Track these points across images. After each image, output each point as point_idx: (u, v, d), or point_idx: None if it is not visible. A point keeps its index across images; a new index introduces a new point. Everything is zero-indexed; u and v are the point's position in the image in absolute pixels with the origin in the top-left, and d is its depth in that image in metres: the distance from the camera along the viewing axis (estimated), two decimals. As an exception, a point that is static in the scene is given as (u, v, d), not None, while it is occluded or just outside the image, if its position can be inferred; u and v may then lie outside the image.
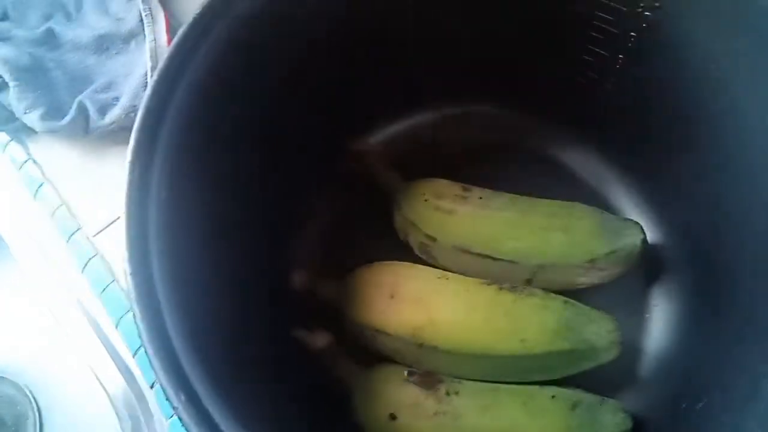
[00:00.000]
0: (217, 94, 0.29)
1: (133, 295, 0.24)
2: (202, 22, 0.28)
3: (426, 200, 0.40)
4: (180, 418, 0.22)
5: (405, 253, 0.42)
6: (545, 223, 0.39)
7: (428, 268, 0.40)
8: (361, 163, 0.42)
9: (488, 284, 0.38)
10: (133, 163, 0.25)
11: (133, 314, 0.23)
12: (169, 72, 0.26)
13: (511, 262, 0.38)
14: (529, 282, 0.39)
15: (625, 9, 0.33)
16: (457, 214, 0.39)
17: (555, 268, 0.38)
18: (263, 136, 0.34)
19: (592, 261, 0.38)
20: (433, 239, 0.39)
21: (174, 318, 0.24)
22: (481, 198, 0.40)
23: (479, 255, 0.39)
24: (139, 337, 0.23)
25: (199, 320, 0.25)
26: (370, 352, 0.39)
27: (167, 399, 0.22)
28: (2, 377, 0.55)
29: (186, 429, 0.22)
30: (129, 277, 0.24)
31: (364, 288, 0.38)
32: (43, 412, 0.54)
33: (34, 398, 0.55)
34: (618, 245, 0.38)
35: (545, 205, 0.40)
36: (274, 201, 0.39)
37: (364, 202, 0.44)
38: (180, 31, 0.27)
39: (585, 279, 0.39)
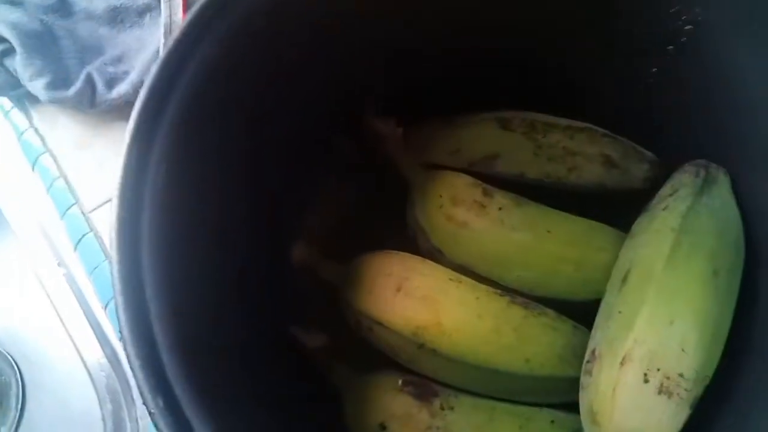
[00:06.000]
0: (226, 76, 0.27)
1: (117, 286, 0.22)
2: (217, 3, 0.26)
3: (441, 206, 0.38)
4: (155, 425, 0.20)
5: (416, 244, 0.40)
6: (560, 252, 0.37)
7: (441, 267, 0.38)
8: (379, 146, 0.40)
9: (501, 295, 0.36)
10: (131, 145, 0.24)
11: (116, 306, 0.22)
12: (177, 53, 0.25)
13: (514, 290, 0.37)
14: None
15: (665, 21, 0.32)
16: (468, 228, 0.37)
17: (556, 301, 0.37)
18: (271, 118, 0.33)
19: (595, 301, 0.36)
20: (440, 252, 0.38)
21: (160, 314, 0.22)
22: (500, 209, 0.38)
23: (483, 277, 0.37)
24: (119, 332, 0.21)
25: (188, 320, 0.23)
26: (366, 358, 0.37)
27: (143, 403, 0.21)
28: (-11, 346, 0.55)
29: (161, 437, 0.20)
30: (115, 266, 0.22)
31: (370, 275, 0.37)
32: (27, 384, 0.54)
33: (18, 369, 0.55)
34: None
35: (567, 225, 0.38)
36: (278, 187, 0.37)
37: (377, 185, 0.42)
38: (193, 9, 0.26)
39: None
